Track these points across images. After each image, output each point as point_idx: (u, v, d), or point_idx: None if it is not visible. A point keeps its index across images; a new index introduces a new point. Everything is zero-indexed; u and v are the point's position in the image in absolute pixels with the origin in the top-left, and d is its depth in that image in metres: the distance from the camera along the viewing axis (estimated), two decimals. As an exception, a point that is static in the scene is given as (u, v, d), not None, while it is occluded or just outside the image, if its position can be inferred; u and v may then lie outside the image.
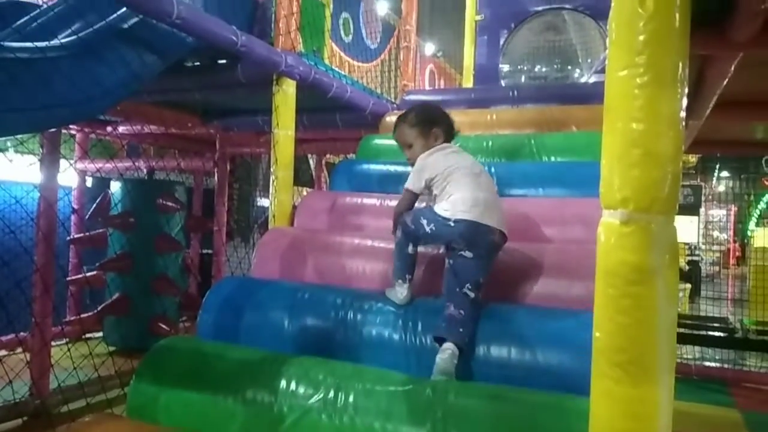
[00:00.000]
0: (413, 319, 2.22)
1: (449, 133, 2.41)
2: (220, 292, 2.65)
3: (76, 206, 5.66)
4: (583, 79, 5.69)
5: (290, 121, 3.26)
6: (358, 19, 8.10)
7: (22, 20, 2.83)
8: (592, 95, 3.84)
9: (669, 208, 1.03)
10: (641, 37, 1.01)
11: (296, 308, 2.42)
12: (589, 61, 5.54)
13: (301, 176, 7.78)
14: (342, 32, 7.64)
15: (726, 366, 5.73)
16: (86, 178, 5.97)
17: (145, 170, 5.62)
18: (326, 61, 4.17)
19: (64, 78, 2.20)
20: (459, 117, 3.85)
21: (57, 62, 2.22)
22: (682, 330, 5.60)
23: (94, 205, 5.39)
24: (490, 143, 3.56)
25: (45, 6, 3.18)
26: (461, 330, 2.01)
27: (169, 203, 5.30)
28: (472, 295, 2.08)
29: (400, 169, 3.49)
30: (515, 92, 4.27)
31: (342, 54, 7.69)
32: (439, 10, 10.38)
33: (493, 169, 3.23)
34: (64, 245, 5.26)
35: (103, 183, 5.87)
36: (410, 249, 2.25)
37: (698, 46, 2.65)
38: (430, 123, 2.37)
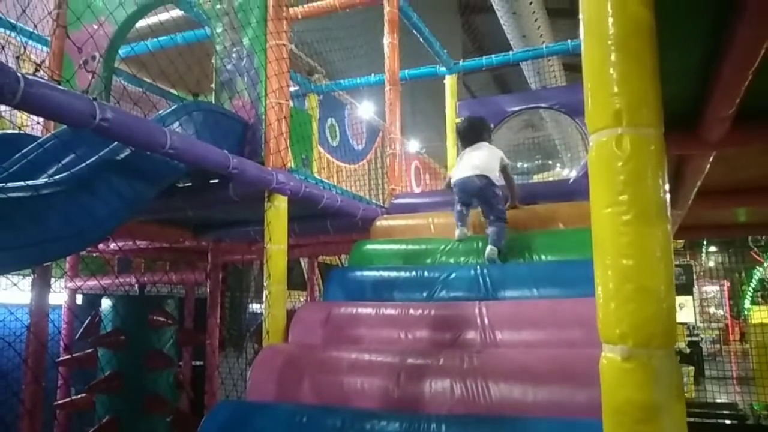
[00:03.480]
0: (417, 441, 2.15)
1: (466, 143, 3.88)
2: (215, 419, 2.57)
3: (65, 325, 5.55)
4: (564, 172, 5.84)
5: (282, 236, 3.28)
6: (344, 123, 8.43)
7: (14, 158, 2.89)
8: (577, 192, 3.92)
9: (668, 341, 1.03)
10: (621, 177, 1.05)
11: (295, 434, 2.34)
12: (569, 155, 5.71)
13: (294, 279, 7.74)
14: (329, 137, 7.93)
15: (742, 455, 5.51)
16: (76, 295, 5.89)
17: (136, 286, 5.56)
18: (314, 166, 4.26)
19: (56, 214, 2.22)
20: (447, 219, 3.96)
21: (49, 199, 2.25)
22: (691, 419, 5.43)
23: (84, 326, 5.29)
24: (480, 244, 3.60)
25: (41, 137, 3.28)
26: (496, 238, 3.44)
27: (161, 318, 5.21)
28: (492, 217, 3.55)
29: (393, 274, 3.51)
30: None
31: (330, 157, 7.92)
32: (420, 113, 10.82)
33: (485, 271, 3.25)
34: (52, 367, 5.11)
35: (93, 300, 5.79)
36: (458, 207, 3.69)
37: (673, 147, 2.76)
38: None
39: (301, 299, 7.89)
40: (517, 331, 2.79)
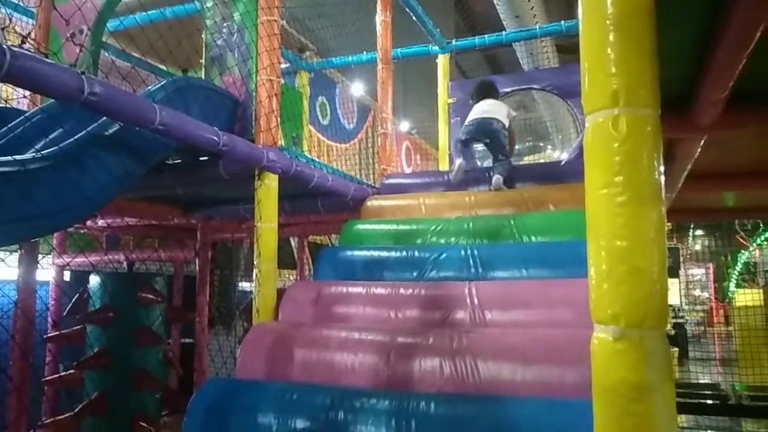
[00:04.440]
0: (407, 419, 2.17)
1: (477, 98, 4.52)
2: (205, 396, 2.57)
3: (53, 302, 5.52)
4: (555, 154, 5.84)
5: (273, 214, 3.26)
6: (335, 102, 8.35)
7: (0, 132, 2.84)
8: (567, 174, 3.93)
9: (660, 322, 1.04)
10: (617, 158, 1.05)
11: (284, 411, 2.35)
12: (560, 137, 5.71)
13: (283, 259, 7.72)
14: (319, 115, 7.85)
15: (722, 434, 5.63)
16: (64, 272, 5.85)
17: (125, 263, 5.53)
18: (305, 144, 4.24)
19: (44, 189, 2.19)
20: (438, 199, 3.96)
21: (37, 174, 2.21)
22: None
23: (72, 302, 5.26)
24: (471, 225, 3.61)
25: (27, 111, 3.22)
26: (501, 169, 4.03)
27: (150, 296, 5.19)
28: (500, 156, 4.15)
29: (384, 254, 3.51)
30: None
31: (320, 136, 7.86)
32: (412, 92, 10.74)
33: (475, 251, 3.26)
34: (40, 343, 5.09)
35: (81, 276, 5.76)
36: (459, 146, 4.36)
37: (665, 131, 2.77)
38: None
39: (291, 278, 7.89)
40: (506, 311, 2.80)
